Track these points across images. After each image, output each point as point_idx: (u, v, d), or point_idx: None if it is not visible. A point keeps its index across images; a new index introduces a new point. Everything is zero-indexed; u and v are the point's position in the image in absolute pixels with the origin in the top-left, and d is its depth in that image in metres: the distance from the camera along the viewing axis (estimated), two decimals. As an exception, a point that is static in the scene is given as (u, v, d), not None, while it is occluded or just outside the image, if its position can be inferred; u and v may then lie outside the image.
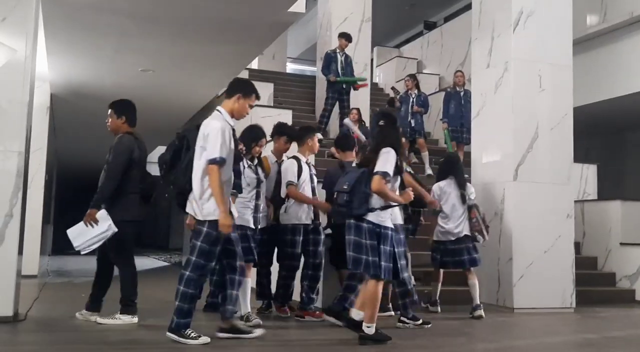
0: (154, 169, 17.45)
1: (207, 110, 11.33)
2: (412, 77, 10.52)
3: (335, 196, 4.55)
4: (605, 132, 12.56)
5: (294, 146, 5.86)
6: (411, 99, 10.03)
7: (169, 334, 4.28)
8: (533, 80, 6.81)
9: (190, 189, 4.26)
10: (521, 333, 5.41)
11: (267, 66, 13.92)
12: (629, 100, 9.91)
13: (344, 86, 9.95)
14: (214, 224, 4.16)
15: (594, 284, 7.69)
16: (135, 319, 5.10)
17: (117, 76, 9.21)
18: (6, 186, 5.06)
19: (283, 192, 5.50)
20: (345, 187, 4.32)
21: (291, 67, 18.16)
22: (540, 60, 6.84)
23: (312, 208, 5.54)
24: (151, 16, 6.92)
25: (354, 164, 4.75)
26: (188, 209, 4.32)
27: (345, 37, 10.06)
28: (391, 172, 4.27)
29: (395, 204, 4.43)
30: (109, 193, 5.05)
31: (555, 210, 6.69)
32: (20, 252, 5.19)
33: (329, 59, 9.97)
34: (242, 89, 4.45)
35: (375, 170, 4.25)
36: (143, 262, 14.60)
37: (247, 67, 10.78)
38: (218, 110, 4.41)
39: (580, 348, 4.86)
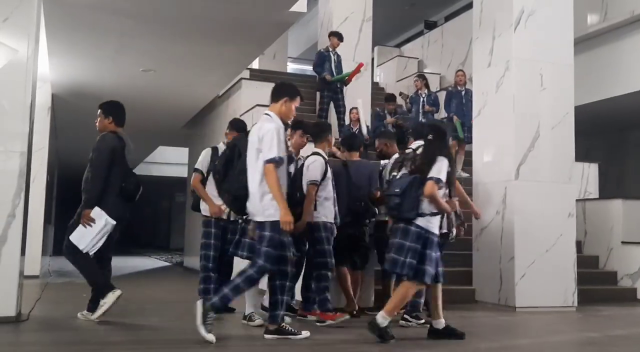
0: (154, 169, 17.50)
1: (208, 110, 11.34)
2: (421, 77, 10.52)
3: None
4: (607, 131, 12.56)
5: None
6: (421, 99, 10.04)
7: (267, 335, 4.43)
8: (534, 80, 6.81)
9: (245, 194, 4.33)
10: (524, 332, 5.41)
11: (268, 66, 13.92)
12: (630, 99, 9.91)
13: (339, 85, 9.91)
14: (276, 225, 4.21)
15: (595, 283, 7.70)
16: (118, 291, 5.05)
17: (118, 76, 9.21)
18: (8, 187, 5.06)
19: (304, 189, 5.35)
20: (397, 190, 4.45)
21: (292, 67, 18.16)
22: (542, 60, 6.84)
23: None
24: (152, 16, 6.93)
25: (400, 174, 4.73)
26: (249, 212, 4.35)
27: (338, 36, 10.02)
28: (444, 180, 4.43)
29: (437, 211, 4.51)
30: (97, 191, 5.10)
31: (556, 209, 6.69)
32: (22, 252, 5.19)
33: (323, 58, 9.93)
34: (288, 92, 4.54)
35: (429, 176, 4.41)
36: (144, 263, 14.63)
37: (248, 66, 10.78)
38: (268, 114, 4.48)
39: (583, 347, 4.86)
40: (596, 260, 8.20)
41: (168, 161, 19.29)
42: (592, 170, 9.27)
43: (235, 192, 4.38)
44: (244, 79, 9.65)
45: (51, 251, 14.35)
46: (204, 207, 5.78)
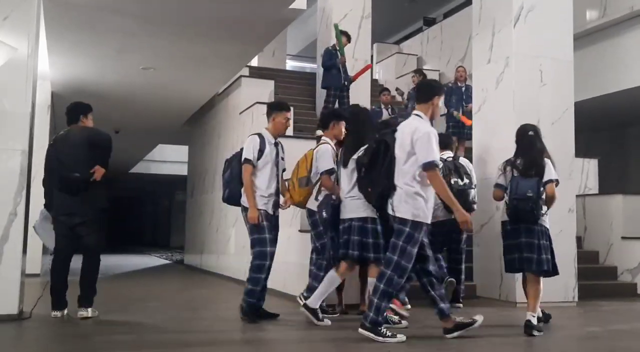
0: (154, 168, 17.44)
1: (208, 107, 11.35)
2: (419, 72, 10.51)
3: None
4: (607, 127, 12.57)
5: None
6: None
7: (362, 331, 4.30)
8: (534, 76, 6.81)
9: (393, 191, 4.33)
10: (522, 328, 5.41)
11: (267, 63, 13.92)
12: (630, 94, 9.92)
13: (346, 83, 9.91)
14: (417, 225, 4.25)
15: (595, 278, 7.70)
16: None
17: (118, 74, 9.22)
18: (10, 185, 5.07)
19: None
20: (530, 194, 4.79)
21: (291, 64, 18.15)
22: (541, 55, 6.84)
23: None
24: (152, 15, 6.93)
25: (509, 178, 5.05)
26: (390, 209, 4.37)
27: (347, 36, 10.06)
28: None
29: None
30: (45, 188, 5.41)
31: (556, 204, 6.65)
32: (24, 251, 5.20)
33: (330, 55, 9.96)
34: (437, 91, 4.56)
35: (550, 178, 4.91)
36: (144, 261, 14.64)
37: (247, 64, 10.78)
38: (418, 115, 4.48)
39: (584, 341, 4.87)
40: (596, 255, 8.22)
41: (168, 159, 19.28)
42: (592, 165, 9.26)
43: (383, 190, 4.39)
44: (244, 76, 9.65)
45: (52, 250, 14.33)
46: (244, 199, 5.29)
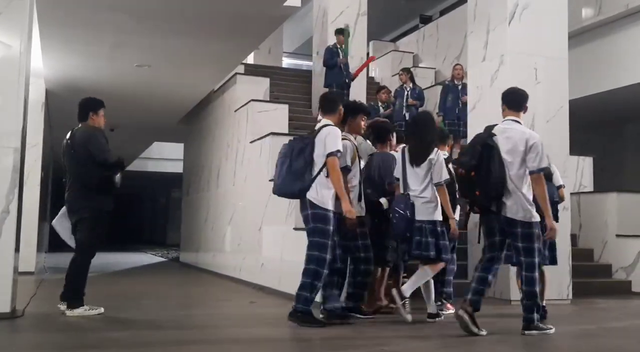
0: (151, 165, 17.43)
1: (203, 105, 11.32)
2: (406, 70, 10.50)
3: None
4: (603, 125, 12.58)
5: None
6: (406, 92, 10.02)
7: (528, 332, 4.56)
8: (529, 74, 6.80)
9: (508, 194, 4.49)
10: (518, 325, 5.41)
11: (263, 61, 13.89)
12: (626, 92, 9.93)
13: (347, 81, 9.89)
14: (538, 224, 4.52)
15: (590, 276, 7.72)
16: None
17: (113, 72, 9.19)
18: (2, 182, 5.05)
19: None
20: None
21: (287, 62, 18.11)
22: (536, 53, 6.84)
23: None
24: (146, 12, 6.90)
25: None
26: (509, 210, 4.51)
27: (340, 32, 10.04)
28: None
29: None
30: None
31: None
32: (17, 248, 5.18)
33: (331, 53, 9.95)
34: (522, 98, 4.91)
35: (560, 184, 5.65)
36: (140, 258, 14.63)
37: (243, 61, 10.76)
38: (517, 121, 4.75)
39: (578, 339, 4.88)
40: (591, 253, 8.23)
41: (164, 157, 19.24)
42: (587, 163, 9.27)
43: (498, 194, 4.50)
44: (239, 73, 9.63)
45: (47, 248, 14.32)
46: (321, 198, 4.79)
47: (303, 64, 18.03)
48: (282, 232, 7.08)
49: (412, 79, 10.21)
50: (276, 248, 7.24)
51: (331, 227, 4.77)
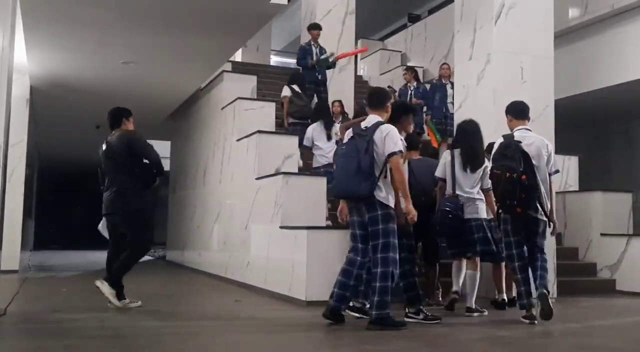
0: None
1: (190, 102, 11.26)
2: (410, 69, 10.48)
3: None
4: (590, 124, 12.65)
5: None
6: (409, 92, 10.01)
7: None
8: (515, 73, 6.83)
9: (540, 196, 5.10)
10: (504, 323, 5.44)
11: (251, 58, 13.84)
12: (611, 92, 9.99)
13: (320, 77, 9.83)
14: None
15: (575, 274, 7.76)
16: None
17: (99, 68, 9.11)
18: (-16, 180, 4.99)
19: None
20: None
21: (275, 60, 18.06)
22: (522, 53, 6.87)
23: None
24: (132, 8, 6.85)
25: None
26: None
27: (314, 27, 9.98)
28: None
29: None
30: None
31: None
32: (-1, 246, 5.13)
33: (304, 52, 9.88)
34: (526, 107, 5.53)
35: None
36: (127, 257, 14.51)
37: (230, 59, 10.71)
38: (529, 129, 5.40)
39: (563, 337, 4.90)
40: (576, 252, 8.27)
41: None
42: (572, 163, 9.30)
43: (537, 196, 5.10)
44: (226, 71, 9.58)
45: (32, 246, 14.20)
46: (388, 198, 4.73)
47: (291, 62, 17.97)
48: (268, 231, 7.06)
49: (416, 78, 10.21)
50: (262, 247, 7.21)
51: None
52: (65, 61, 8.80)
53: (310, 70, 9.65)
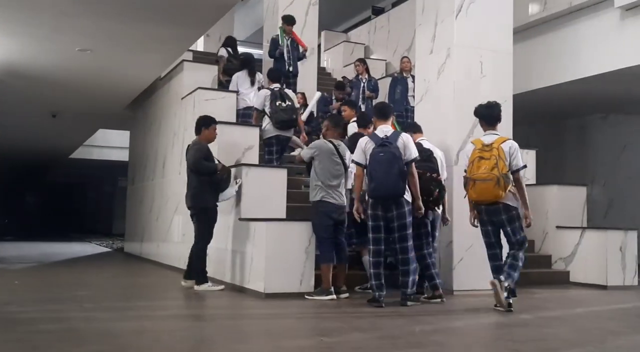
0: (96, 153, 16.95)
1: (150, 92, 11.06)
2: (362, 61, 10.49)
3: None
4: (547, 119, 12.89)
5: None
6: (362, 84, 10.01)
7: None
8: (474, 67, 6.89)
9: None
10: (458, 315, 5.51)
11: (213, 48, 13.64)
12: (568, 87, 10.16)
13: (291, 69, 9.80)
14: None
15: (531, 266, 7.87)
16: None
17: (54, 56, 8.84)
18: None
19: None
20: None
21: (238, 50, 17.85)
22: (482, 47, 6.92)
23: None
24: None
25: None
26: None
27: (287, 20, 9.91)
28: None
29: None
30: None
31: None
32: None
33: (275, 44, 9.83)
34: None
35: None
36: (83, 248, 14.26)
37: (192, 48, 10.54)
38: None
39: (514, 328, 4.98)
40: (532, 244, 8.41)
41: (110, 145, 18.74)
42: (530, 157, 9.42)
43: None
44: (186, 60, 9.43)
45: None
46: (408, 194, 5.64)
47: (254, 52, 17.78)
48: (228, 223, 6.99)
49: (367, 70, 10.23)
50: (222, 238, 7.14)
51: None
52: (18, 47, 8.51)
53: (281, 63, 9.60)
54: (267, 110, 7.77)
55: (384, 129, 5.66)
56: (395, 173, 5.38)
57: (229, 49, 10.02)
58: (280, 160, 7.86)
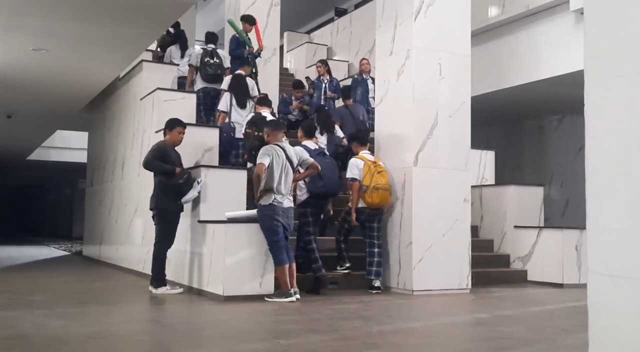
0: (54, 154, 16.59)
1: (109, 92, 10.86)
2: (324, 62, 10.48)
3: None
4: (505, 120, 13.10)
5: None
6: (324, 85, 10.01)
7: None
8: (433, 69, 6.95)
9: None
10: (417, 315, 5.55)
11: (174, 49, 13.45)
12: (526, 89, 10.36)
13: (254, 70, 9.72)
14: None
15: (489, 266, 8.02)
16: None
17: (6, 55, 8.59)
18: None
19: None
20: None
21: (199, 50, 17.65)
22: (441, 49, 6.99)
23: None
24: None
25: None
26: None
27: (247, 20, 9.80)
28: None
29: None
30: None
31: (453, 195, 6.89)
32: None
33: (237, 42, 9.72)
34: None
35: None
36: (41, 252, 13.93)
37: (151, 48, 10.39)
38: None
39: (471, 327, 5.04)
40: (491, 244, 8.55)
41: (69, 146, 18.33)
42: (489, 157, 9.60)
43: None
44: (145, 61, 9.28)
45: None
46: None
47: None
48: (187, 225, 6.90)
49: (329, 72, 10.22)
50: (181, 240, 7.04)
51: None
52: (-31, 46, 8.26)
53: (244, 62, 9.49)
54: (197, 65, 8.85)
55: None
56: (336, 175, 6.73)
57: (211, 46, 9.40)
58: (209, 116, 8.70)
